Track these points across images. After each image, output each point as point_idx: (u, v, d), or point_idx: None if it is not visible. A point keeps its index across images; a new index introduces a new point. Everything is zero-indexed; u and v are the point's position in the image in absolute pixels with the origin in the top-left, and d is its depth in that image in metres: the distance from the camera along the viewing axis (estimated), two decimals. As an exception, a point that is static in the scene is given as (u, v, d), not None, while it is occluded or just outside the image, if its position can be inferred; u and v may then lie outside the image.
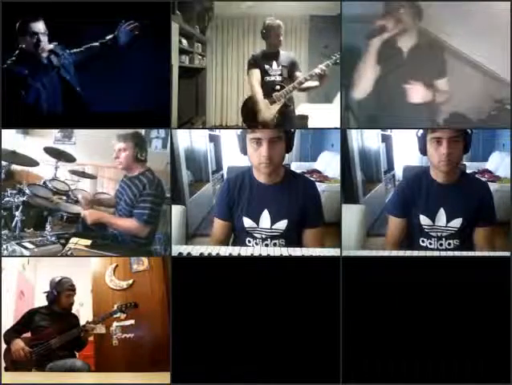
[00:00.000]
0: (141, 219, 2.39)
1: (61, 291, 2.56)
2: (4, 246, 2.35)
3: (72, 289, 2.61)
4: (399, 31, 2.35)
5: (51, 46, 2.23)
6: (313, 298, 2.18)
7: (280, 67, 2.72)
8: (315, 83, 2.67)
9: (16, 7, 2.23)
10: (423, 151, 2.12)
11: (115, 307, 2.56)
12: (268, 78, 2.72)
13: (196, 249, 2.09)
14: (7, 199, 2.54)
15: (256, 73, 2.74)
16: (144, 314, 2.58)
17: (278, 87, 2.70)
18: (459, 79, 2.45)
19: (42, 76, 2.21)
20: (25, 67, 2.18)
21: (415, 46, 2.39)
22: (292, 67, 2.75)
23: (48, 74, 2.23)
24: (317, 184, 2.29)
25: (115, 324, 2.59)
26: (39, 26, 2.18)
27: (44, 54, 2.22)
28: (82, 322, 2.54)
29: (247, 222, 2.15)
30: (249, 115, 2.74)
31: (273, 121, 2.68)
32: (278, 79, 2.71)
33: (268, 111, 2.67)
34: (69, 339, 2.42)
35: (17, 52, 2.20)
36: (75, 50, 2.30)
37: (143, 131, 2.65)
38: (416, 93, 2.33)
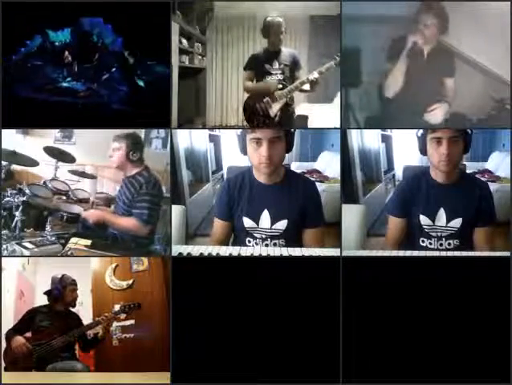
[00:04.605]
0: (141, 218, 2.39)
1: (65, 286, 2.55)
2: (4, 246, 2.35)
3: (75, 283, 2.60)
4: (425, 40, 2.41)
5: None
6: (313, 298, 2.18)
7: (282, 66, 2.71)
8: (307, 88, 2.68)
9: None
10: (423, 151, 2.12)
11: (118, 308, 2.56)
12: (270, 77, 2.71)
13: (196, 249, 2.09)
14: (7, 199, 2.54)
15: (248, 74, 2.77)
16: (144, 314, 2.58)
17: (280, 86, 2.70)
18: (459, 78, 2.45)
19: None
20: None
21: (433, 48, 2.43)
22: (294, 66, 2.74)
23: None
24: (317, 184, 2.29)
25: (115, 324, 2.59)
26: None
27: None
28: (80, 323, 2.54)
29: (247, 222, 2.14)
30: (256, 112, 2.72)
31: (275, 119, 2.68)
32: (280, 77, 2.70)
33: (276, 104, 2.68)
34: (70, 340, 2.42)
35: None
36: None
37: (142, 131, 2.65)
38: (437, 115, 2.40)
